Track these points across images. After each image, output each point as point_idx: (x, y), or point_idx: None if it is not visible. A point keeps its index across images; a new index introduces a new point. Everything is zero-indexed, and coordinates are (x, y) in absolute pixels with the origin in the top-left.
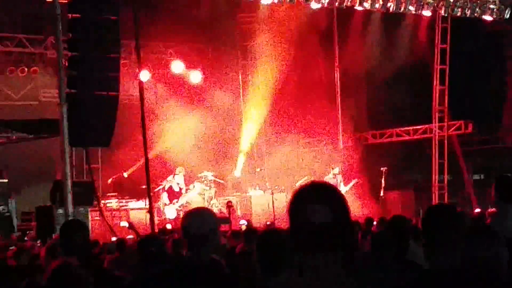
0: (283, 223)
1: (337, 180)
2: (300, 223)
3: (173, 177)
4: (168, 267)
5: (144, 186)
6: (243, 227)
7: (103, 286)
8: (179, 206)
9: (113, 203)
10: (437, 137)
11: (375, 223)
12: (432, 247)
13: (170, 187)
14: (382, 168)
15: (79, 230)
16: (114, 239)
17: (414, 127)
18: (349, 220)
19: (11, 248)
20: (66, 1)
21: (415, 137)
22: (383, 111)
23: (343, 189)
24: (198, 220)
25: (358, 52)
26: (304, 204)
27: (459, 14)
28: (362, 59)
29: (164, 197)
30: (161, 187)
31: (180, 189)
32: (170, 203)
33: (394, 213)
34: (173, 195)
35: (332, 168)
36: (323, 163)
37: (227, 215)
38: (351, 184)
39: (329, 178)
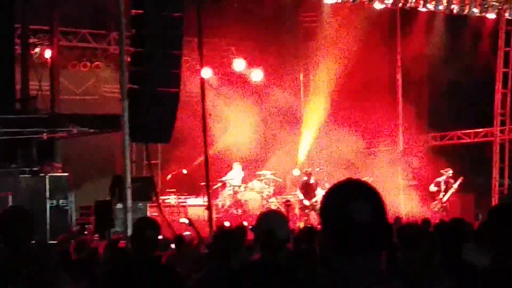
0: None
1: (449, 181)
2: (339, 221)
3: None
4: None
5: (203, 183)
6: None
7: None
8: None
9: (171, 199)
10: (498, 140)
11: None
12: (496, 246)
13: None
14: (446, 171)
15: (151, 228)
16: (160, 237)
17: (475, 130)
18: (387, 219)
19: (70, 241)
20: None
21: (476, 140)
22: (444, 113)
23: (452, 188)
24: (285, 224)
25: (420, 53)
26: (344, 201)
27: None
28: (424, 60)
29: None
30: (219, 184)
31: (239, 186)
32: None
33: (453, 216)
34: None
35: (446, 172)
36: (383, 164)
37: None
38: (457, 183)
39: (441, 180)
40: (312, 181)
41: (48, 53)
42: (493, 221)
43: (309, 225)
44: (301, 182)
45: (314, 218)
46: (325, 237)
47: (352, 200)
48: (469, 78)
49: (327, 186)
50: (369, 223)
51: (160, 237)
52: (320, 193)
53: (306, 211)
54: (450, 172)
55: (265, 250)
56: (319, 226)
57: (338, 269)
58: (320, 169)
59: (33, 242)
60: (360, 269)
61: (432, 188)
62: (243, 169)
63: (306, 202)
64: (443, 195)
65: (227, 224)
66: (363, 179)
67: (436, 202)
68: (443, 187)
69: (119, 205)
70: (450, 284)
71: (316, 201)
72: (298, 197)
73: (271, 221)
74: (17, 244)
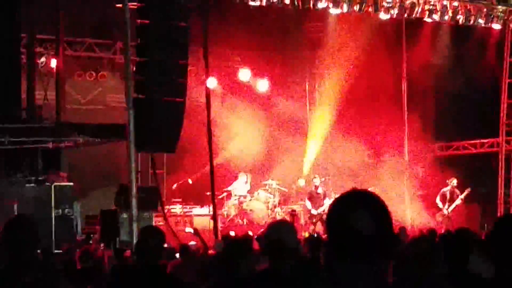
0: None
1: (455, 191)
2: (342, 231)
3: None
4: (252, 275)
5: (208, 193)
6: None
7: None
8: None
9: (177, 208)
10: (503, 150)
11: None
12: (501, 257)
13: None
14: (450, 181)
15: (155, 236)
16: (165, 245)
17: (481, 141)
18: (392, 229)
19: (76, 250)
20: (136, 7)
21: (482, 150)
22: (450, 123)
23: (458, 199)
24: (294, 234)
25: (426, 64)
26: (348, 210)
27: None
28: (430, 70)
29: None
30: (225, 194)
31: (245, 196)
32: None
33: (459, 226)
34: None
35: (451, 182)
36: (388, 174)
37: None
38: (464, 193)
39: (447, 190)
40: (320, 190)
41: (53, 63)
42: (499, 232)
43: (314, 235)
44: (309, 191)
45: (320, 228)
46: (330, 246)
47: (356, 210)
48: (474, 88)
49: (333, 195)
50: (372, 232)
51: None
52: (327, 203)
53: (314, 220)
54: (455, 181)
55: (273, 260)
56: (324, 236)
57: (341, 278)
58: (325, 179)
59: (38, 251)
60: (362, 277)
61: (438, 201)
62: (248, 179)
63: (314, 212)
64: (448, 205)
65: (232, 233)
66: (369, 189)
67: (440, 212)
68: (448, 197)
69: (125, 215)
70: None
71: (323, 211)
72: (306, 206)
73: (281, 231)
74: (21, 253)
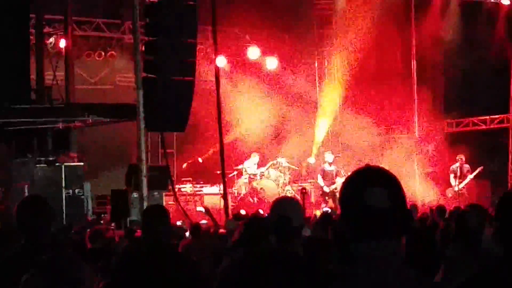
0: None
1: (463, 168)
2: (356, 208)
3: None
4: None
5: (218, 172)
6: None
7: (182, 271)
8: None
9: (187, 188)
10: None
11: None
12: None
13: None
14: (459, 157)
15: (160, 216)
16: (179, 223)
17: (491, 117)
18: (406, 205)
19: (86, 231)
20: None
21: (492, 126)
22: (460, 99)
23: (469, 177)
24: (300, 211)
25: (435, 40)
26: (362, 187)
27: None
28: (439, 46)
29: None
30: (235, 172)
31: (254, 174)
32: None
33: (470, 203)
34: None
35: (459, 159)
36: (399, 152)
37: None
38: (476, 172)
39: (456, 167)
40: (332, 167)
41: (62, 43)
42: (503, 208)
43: (328, 210)
44: (320, 168)
45: (332, 205)
46: (343, 224)
47: (369, 187)
48: (484, 64)
49: (343, 173)
50: (386, 209)
51: (179, 223)
52: (339, 180)
53: (326, 198)
54: (463, 157)
55: (279, 238)
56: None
57: (356, 256)
58: (335, 156)
59: (52, 231)
60: (377, 255)
61: (452, 178)
62: (260, 159)
63: (326, 189)
64: (459, 182)
65: (243, 212)
66: (381, 166)
67: (450, 188)
68: (458, 173)
69: (135, 194)
70: (469, 271)
71: (336, 188)
72: (318, 183)
73: (286, 208)
74: (37, 233)
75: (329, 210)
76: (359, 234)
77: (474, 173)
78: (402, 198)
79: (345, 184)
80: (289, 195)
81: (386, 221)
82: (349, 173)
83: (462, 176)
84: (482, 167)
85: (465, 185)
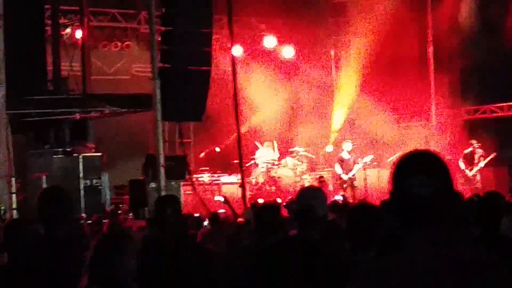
0: (375, 199)
1: (476, 153)
2: (400, 196)
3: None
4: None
5: (236, 161)
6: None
7: (197, 259)
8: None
9: (205, 177)
10: None
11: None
12: None
13: None
14: (472, 143)
15: (171, 205)
16: (197, 215)
17: (509, 103)
18: (450, 192)
19: (104, 221)
20: None
21: (510, 113)
22: (477, 86)
23: (481, 163)
24: (324, 200)
25: (452, 26)
26: (404, 175)
27: None
28: (456, 33)
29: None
30: (252, 162)
31: (269, 162)
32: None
33: (488, 190)
34: None
35: (472, 144)
36: (415, 139)
37: None
38: (488, 158)
39: (468, 151)
40: (350, 156)
41: (78, 34)
42: None
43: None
44: (338, 156)
45: (349, 194)
46: (390, 211)
47: (412, 175)
48: (501, 50)
49: (360, 161)
50: (429, 197)
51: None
52: (356, 168)
53: (344, 185)
54: (475, 143)
55: (303, 226)
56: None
57: (402, 243)
58: (353, 145)
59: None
60: (421, 242)
61: (460, 162)
62: (275, 147)
63: (345, 177)
64: (471, 168)
65: (260, 201)
66: (428, 150)
67: (462, 174)
68: (471, 159)
69: (153, 184)
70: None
71: (354, 176)
72: (336, 171)
73: (311, 197)
74: (56, 225)
75: (341, 198)
76: (404, 220)
77: (487, 160)
78: (446, 185)
79: (392, 171)
80: (307, 184)
81: (428, 208)
82: (397, 159)
83: (474, 163)
84: (495, 154)
85: (477, 171)
